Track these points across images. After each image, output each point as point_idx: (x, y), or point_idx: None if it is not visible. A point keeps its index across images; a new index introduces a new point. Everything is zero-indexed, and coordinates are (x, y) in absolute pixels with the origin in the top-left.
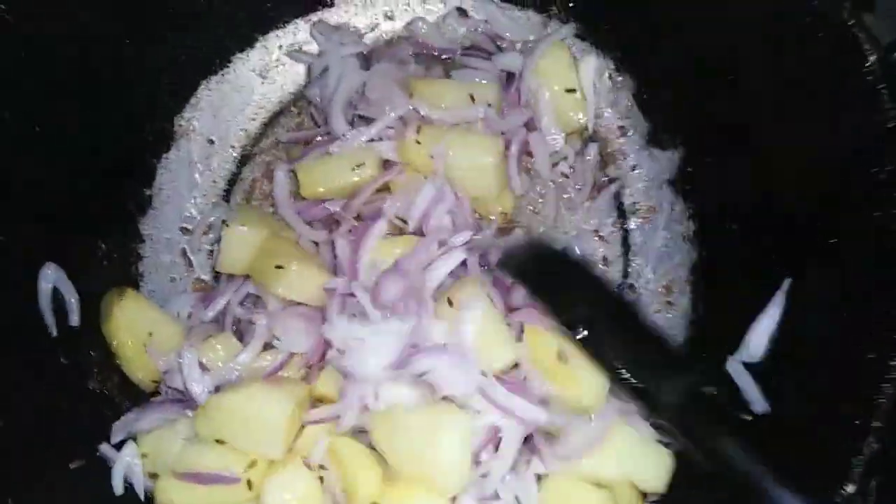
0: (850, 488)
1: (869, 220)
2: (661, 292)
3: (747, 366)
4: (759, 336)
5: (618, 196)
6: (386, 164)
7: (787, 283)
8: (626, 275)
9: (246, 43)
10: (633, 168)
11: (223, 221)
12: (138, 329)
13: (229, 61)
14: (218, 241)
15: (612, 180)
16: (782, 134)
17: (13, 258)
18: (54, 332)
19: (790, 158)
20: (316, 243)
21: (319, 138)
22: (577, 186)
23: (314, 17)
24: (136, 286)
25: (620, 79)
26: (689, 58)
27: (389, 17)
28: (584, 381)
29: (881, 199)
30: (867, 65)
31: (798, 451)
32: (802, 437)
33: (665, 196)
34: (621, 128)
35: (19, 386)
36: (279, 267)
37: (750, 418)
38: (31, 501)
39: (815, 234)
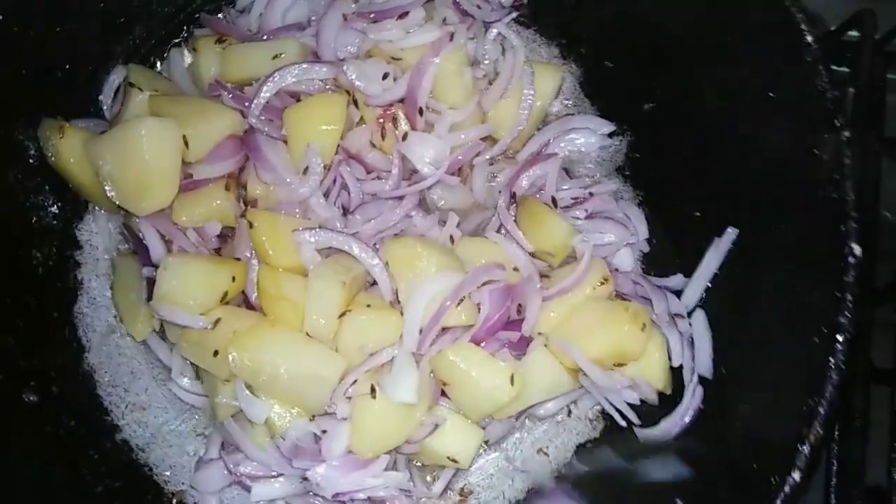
0: (797, 475)
1: (812, 200)
2: None
3: None
4: (694, 287)
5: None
6: None
7: (729, 235)
8: None
9: None
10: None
11: (129, 83)
12: (90, 162)
13: None
14: None
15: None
16: (725, 117)
17: None
18: None
19: (734, 140)
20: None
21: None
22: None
23: None
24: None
25: (565, 66)
26: (632, 43)
27: None
28: None
29: (824, 179)
30: (806, 45)
31: (745, 439)
32: (749, 425)
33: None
34: (569, 115)
35: None
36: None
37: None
38: None
39: (761, 217)
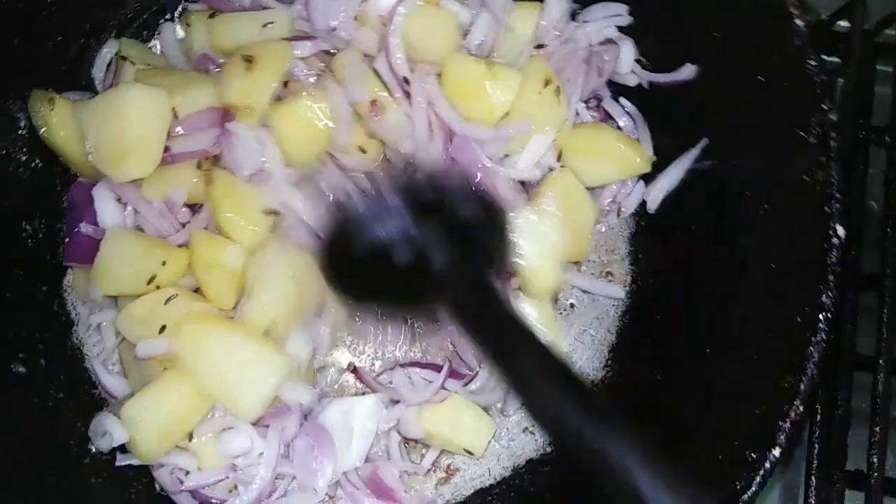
0: (777, 452)
1: (798, 183)
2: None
3: None
4: (657, 191)
5: None
6: None
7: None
8: None
9: None
10: None
11: (121, 56)
12: (79, 134)
13: None
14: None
15: None
16: (718, 92)
17: None
18: None
19: (726, 118)
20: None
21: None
22: None
23: None
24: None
25: None
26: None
27: None
28: None
29: (810, 162)
30: (794, 28)
31: (725, 416)
32: (729, 402)
33: None
34: None
35: None
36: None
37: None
38: None
39: (746, 201)
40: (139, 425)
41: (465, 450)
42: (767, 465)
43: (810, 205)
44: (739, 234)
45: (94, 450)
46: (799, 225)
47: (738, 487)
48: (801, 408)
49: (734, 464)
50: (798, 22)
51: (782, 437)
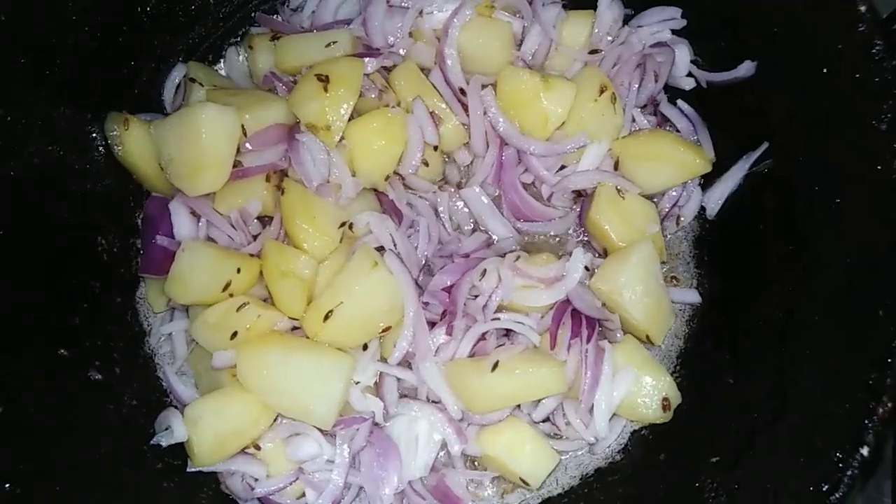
0: (865, 451)
1: (871, 173)
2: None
3: None
4: (716, 197)
5: None
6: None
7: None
8: None
9: None
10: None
11: (189, 78)
12: (152, 153)
13: None
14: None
15: None
16: (779, 88)
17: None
18: None
19: (788, 113)
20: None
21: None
22: None
23: None
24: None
25: None
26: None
27: None
28: None
29: (881, 150)
30: (859, 14)
31: (804, 417)
32: (809, 402)
33: None
34: None
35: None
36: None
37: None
38: None
39: (815, 197)
40: (198, 426)
41: (521, 479)
42: (856, 464)
43: (885, 194)
44: (811, 230)
45: (162, 444)
46: (875, 216)
47: (825, 489)
48: (890, 404)
49: (819, 465)
50: (861, 7)
51: (870, 436)
